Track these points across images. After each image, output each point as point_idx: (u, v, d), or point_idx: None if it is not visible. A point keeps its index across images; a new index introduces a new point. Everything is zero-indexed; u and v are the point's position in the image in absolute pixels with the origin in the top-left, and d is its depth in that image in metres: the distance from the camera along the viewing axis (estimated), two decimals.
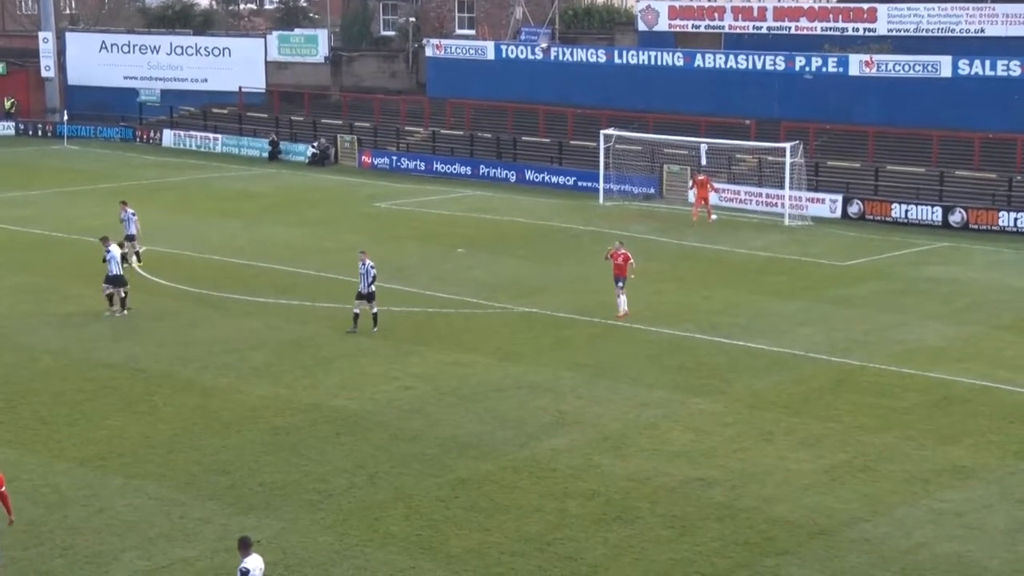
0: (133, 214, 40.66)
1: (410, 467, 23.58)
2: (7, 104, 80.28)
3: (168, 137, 74.73)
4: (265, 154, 69.99)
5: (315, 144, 68.61)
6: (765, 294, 38.55)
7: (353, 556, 19.75)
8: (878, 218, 51.71)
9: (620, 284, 35.08)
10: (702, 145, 56.10)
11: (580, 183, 59.31)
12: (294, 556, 19.74)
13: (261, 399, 27.35)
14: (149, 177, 62.44)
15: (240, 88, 77.20)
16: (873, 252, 45.71)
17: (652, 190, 57.44)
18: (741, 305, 36.84)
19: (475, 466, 23.69)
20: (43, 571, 19.04)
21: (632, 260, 35.16)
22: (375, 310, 33.02)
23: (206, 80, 79.05)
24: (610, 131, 56.37)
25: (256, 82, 77.81)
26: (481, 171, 63.20)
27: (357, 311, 32.87)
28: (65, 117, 75.94)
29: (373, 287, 32.93)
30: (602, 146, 55.93)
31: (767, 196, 53.93)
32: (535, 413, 26.84)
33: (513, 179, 62.01)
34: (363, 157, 67.41)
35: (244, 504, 21.74)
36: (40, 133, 78.08)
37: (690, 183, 54.15)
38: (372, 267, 32.91)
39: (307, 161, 68.07)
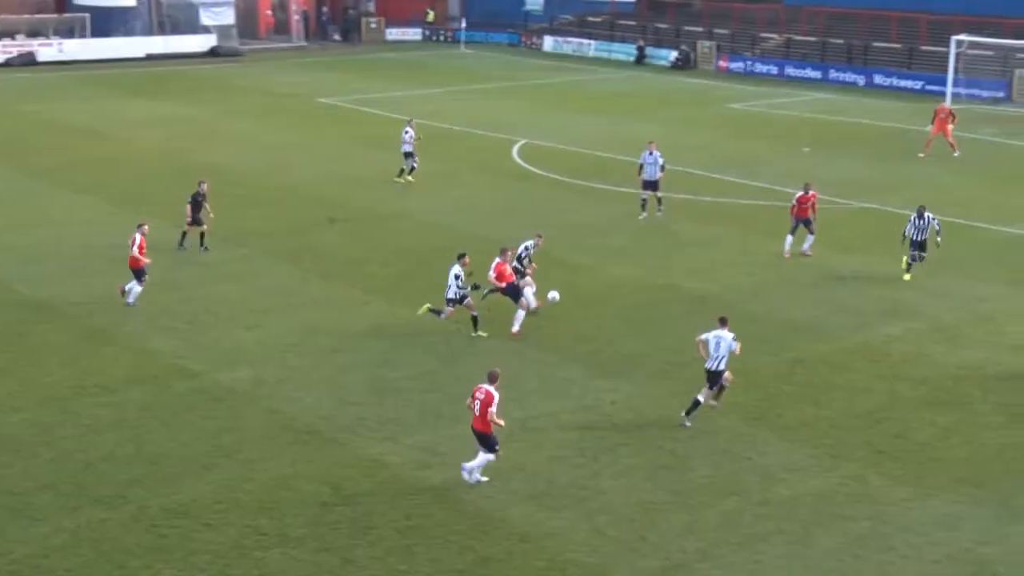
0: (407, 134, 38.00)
1: (751, 345, 23.28)
2: (429, 15, 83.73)
3: (548, 43, 75.91)
4: (632, 58, 69.95)
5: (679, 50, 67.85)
6: None
7: (698, 422, 19.90)
8: None
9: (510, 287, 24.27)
10: None
11: (928, 87, 56.04)
12: (643, 417, 20.11)
13: (620, 278, 27.76)
14: (530, 78, 63.82)
15: None
16: None
17: (1002, 94, 53.45)
18: None
19: (811, 347, 23.25)
20: (436, 413, 20.28)
21: (491, 273, 24.10)
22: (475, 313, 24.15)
23: None
24: (962, 36, 52.62)
25: None
26: (831, 75, 60.78)
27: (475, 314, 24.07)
28: (463, 24, 78.61)
29: (458, 291, 23.86)
30: (953, 51, 52.34)
31: None
32: (871, 302, 25.95)
33: (862, 83, 59.30)
34: (720, 62, 66.17)
35: (603, 369, 22.29)
36: (442, 39, 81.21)
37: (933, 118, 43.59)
38: (456, 275, 23.75)
39: (669, 65, 67.52)
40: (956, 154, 42.06)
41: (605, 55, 71.81)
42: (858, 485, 17.59)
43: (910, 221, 27.43)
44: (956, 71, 52.44)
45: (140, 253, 25.42)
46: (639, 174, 33.11)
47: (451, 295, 23.81)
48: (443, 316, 24.00)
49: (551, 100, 56.24)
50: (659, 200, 33.17)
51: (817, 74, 61.30)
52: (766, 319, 24.84)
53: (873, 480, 17.74)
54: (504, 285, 24.11)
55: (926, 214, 27.29)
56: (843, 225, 32.38)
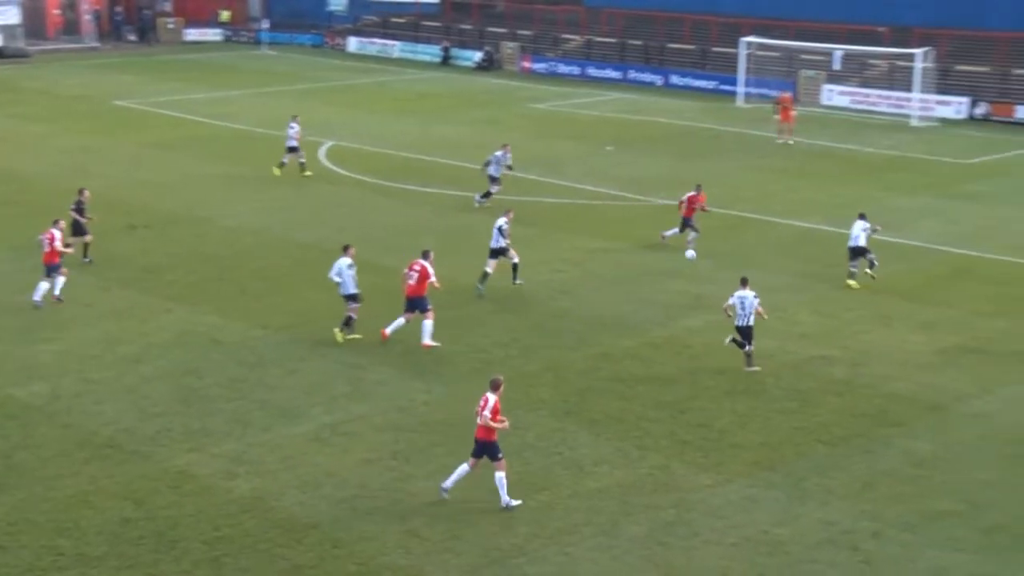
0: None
1: (559, 341, 23.77)
2: (223, 15, 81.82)
3: (353, 43, 75.32)
4: (437, 59, 70.06)
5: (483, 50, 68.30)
6: (889, 190, 37.39)
7: (508, 417, 20.02)
8: (1003, 119, 49.44)
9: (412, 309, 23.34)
10: (836, 52, 54.13)
11: (721, 87, 57.98)
12: (457, 415, 20.16)
13: None
14: (336, 79, 63.22)
15: None
16: (997, 151, 43.81)
17: (788, 93, 55.78)
18: (866, 200, 35.76)
19: (617, 342, 23.75)
20: (244, 421, 19.84)
21: (434, 278, 23.28)
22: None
23: None
24: (751, 38, 54.78)
25: None
26: (630, 75, 62.26)
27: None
28: (265, 25, 77.18)
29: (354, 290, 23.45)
30: (743, 52, 54.45)
31: (896, 99, 51.97)
32: (674, 296, 26.68)
33: (659, 83, 60.94)
34: (523, 62, 66.97)
35: (414, 370, 22.23)
36: (244, 40, 79.55)
37: (776, 106, 46.83)
38: (350, 265, 23.59)
39: (475, 66, 67.94)
40: (791, 142, 44.61)
41: (410, 56, 71.71)
42: (663, 474, 18.07)
43: (863, 231, 27.03)
44: (747, 71, 54.57)
45: (55, 248, 25.16)
46: (485, 168, 34.60)
47: (352, 290, 23.31)
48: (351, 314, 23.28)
49: (358, 101, 55.80)
50: (488, 194, 34.34)
51: (617, 74, 62.72)
52: (573, 315, 25.27)
53: (678, 469, 18.25)
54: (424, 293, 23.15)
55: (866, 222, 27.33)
56: (646, 222, 33.19)
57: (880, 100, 52.64)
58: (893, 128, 48.76)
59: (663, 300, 26.32)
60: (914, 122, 49.43)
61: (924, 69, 49.45)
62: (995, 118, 49.65)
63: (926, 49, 49.79)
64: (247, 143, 44.76)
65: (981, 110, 50.22)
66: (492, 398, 16.90)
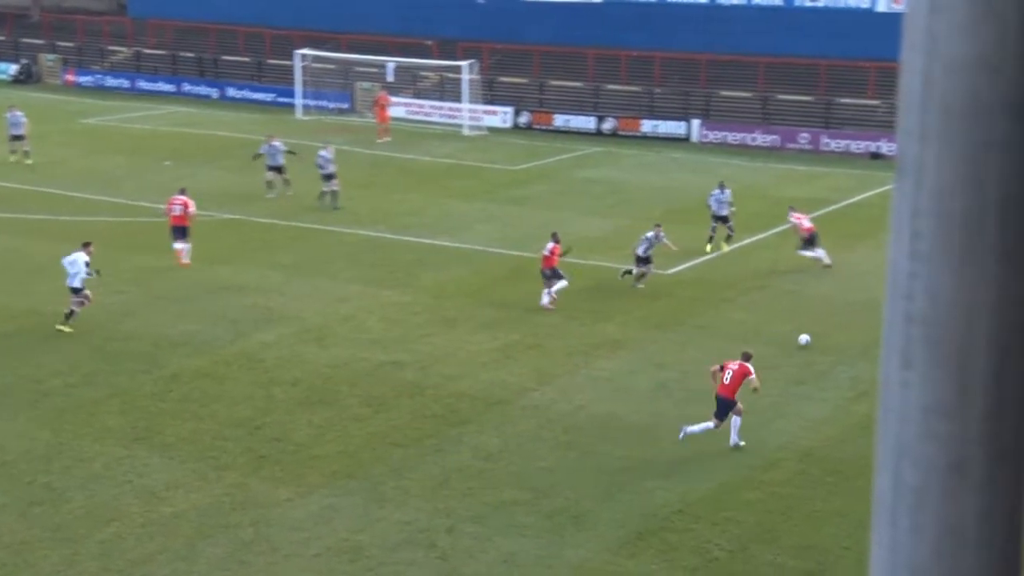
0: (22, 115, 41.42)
1: (124, 365, 22.77)
2: None
3: None
4: None
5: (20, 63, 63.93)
6: (449, 197, 38.99)
7: (70, 449, 19.00)
8: (543, 127, 53.01)
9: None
10: (389, 64, 55.73)
11: (279, 99, 57.90)
12: (11, 452, 18.78)
13: None
14: None
15: None
16: (540, 157, 46.91)
17: (346, 105, 56.77)
18: (428, 207, 37.18)
19: (188, 362, 23.10)
20: None
21: (192, 208, 28.17)
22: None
23: None
24: (305, 51, 55.13)
25: None
26: (184, 88, 60.70)
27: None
28: None
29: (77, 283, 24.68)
30: (298, 65, 54.68)
31: (448, 109, 54.28)
32: (244, 311, 26.34)
33: (215, 96, 59.88)
34: (67, 75, 63.41)
35: None
36: None
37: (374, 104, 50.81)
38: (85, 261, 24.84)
39: (11, 80, 63.44)
40: (387, 139, 47.43)
41: None
42: (241, 492, 17.79)
43: (712, 195, 31.69)
44: (304, 84, 54.85)
45: None
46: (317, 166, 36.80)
47: (78, 284, 24.06)
48: (82, 304, 24.44)
49: None
50: (333, 192, 36.40)
51: (171, 87, 60.92)
52: (139, 337, 24.29)
53: (255, 486, 18.04)
54: None
55: (726, 190, 31.71)
56: (212, 237, 32.51)
57: (433, 111, 54.74)
58: (447, 137, 50.90)
59: (233, 316, 25.90)
60: (466, 131, 51.85)
61: (471, 81, 52.01)
62: (536, 126, 53.14)
63: (471, 62, 52.40)
64: None
65: (524, 119, 53.57)
66: (751, 367, 19.36)
